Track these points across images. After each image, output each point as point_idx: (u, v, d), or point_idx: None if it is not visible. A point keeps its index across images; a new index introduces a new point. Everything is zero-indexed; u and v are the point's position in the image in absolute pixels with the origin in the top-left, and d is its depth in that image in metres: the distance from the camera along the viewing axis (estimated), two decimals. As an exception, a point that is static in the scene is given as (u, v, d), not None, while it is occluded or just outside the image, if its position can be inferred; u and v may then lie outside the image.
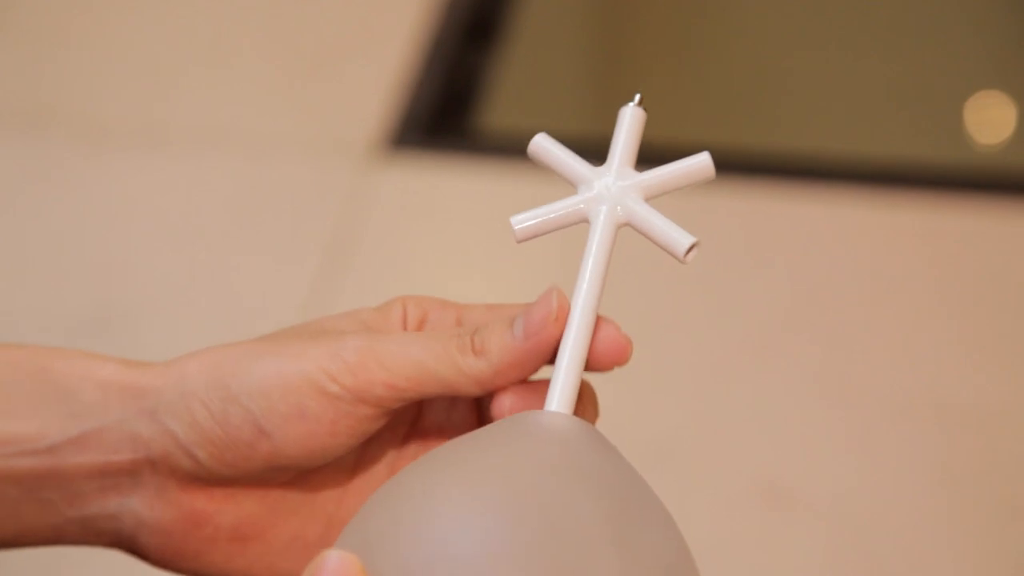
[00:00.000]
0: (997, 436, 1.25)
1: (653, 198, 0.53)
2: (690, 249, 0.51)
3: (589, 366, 0.51)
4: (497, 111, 1.69)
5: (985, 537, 1.17)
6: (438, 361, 0.51)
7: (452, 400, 0.55)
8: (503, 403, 0.52)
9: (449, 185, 1.53)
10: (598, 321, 0.52)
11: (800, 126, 1.70)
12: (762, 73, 1.77)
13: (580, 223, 0.53)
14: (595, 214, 0.52)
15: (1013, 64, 1.78)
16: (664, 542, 0.45)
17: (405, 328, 0.55)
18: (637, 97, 0.55)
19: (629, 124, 0.55)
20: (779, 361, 1.33)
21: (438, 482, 0.45)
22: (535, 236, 0.53)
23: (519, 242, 0.53)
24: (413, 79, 1.65)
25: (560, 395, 0.50)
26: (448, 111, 1.65)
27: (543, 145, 0.55)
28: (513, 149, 1.59)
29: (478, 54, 1.72)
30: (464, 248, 1.48)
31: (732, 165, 1.51)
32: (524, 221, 0.53)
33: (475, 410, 0.56)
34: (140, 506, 0.52)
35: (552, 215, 0.53)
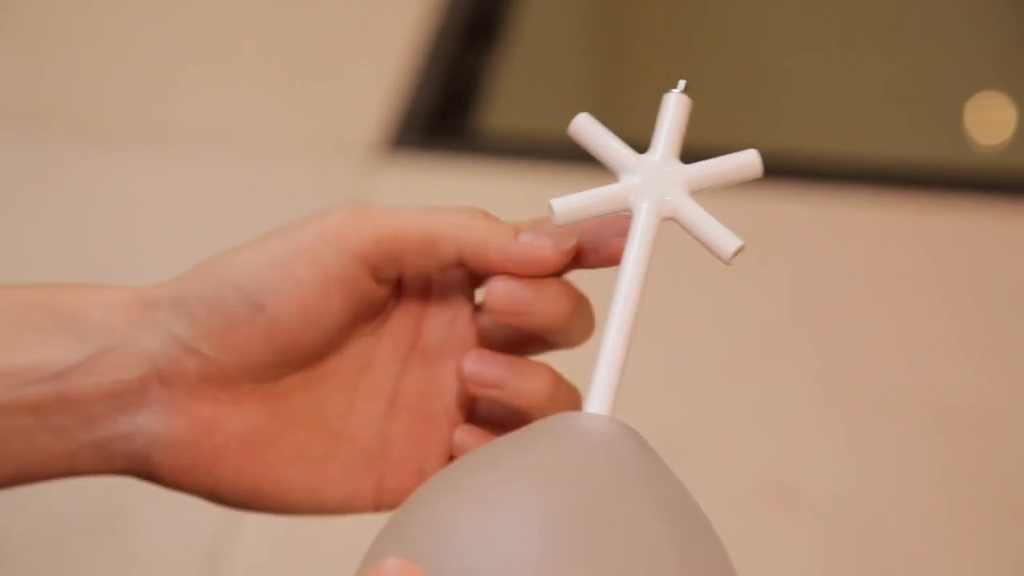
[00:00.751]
0: (997, 436, 1.25)
1: (697, 192, 0.51)
2: (737, 251, 0.49)
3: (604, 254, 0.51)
4: (497, 111, 1.69)
5: (985, 537, 1.17)
6: (436, 218, 0.52)
7: (452, 318, 0.55)
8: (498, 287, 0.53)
9: (449, 186, 1.53)
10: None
11: (800, 126, 1.70)
12: (762, 73, 1.77)
13: (622, 212, 0.51)
14: (639, 205, 0.50)
15: (1013, 64, 1.78)
16: (715, 552, 0.45)
17: None
18: (682, 83, 0.54)
19: (674, 111, 0.53)
20: (779, 361, 1.33)
21: (480, 484, 0.44)
22: (575, 220, 0.51)
23: (557, 224, 0.51)
24: (413, 79, 1.65)
25: (600, 396, 0.48)
26: (448, 111, 1.65)
27: (585, 125, 0.54)
28: (513, 149, 1.59)
29: (478, 54, 1.72)
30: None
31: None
32: (564, 204, 0.51)
33: (474, 325, 0.56)
34: (151, 421, 0.53)
35: (594, 199, 0.51)
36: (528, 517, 0.42)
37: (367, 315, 0.54)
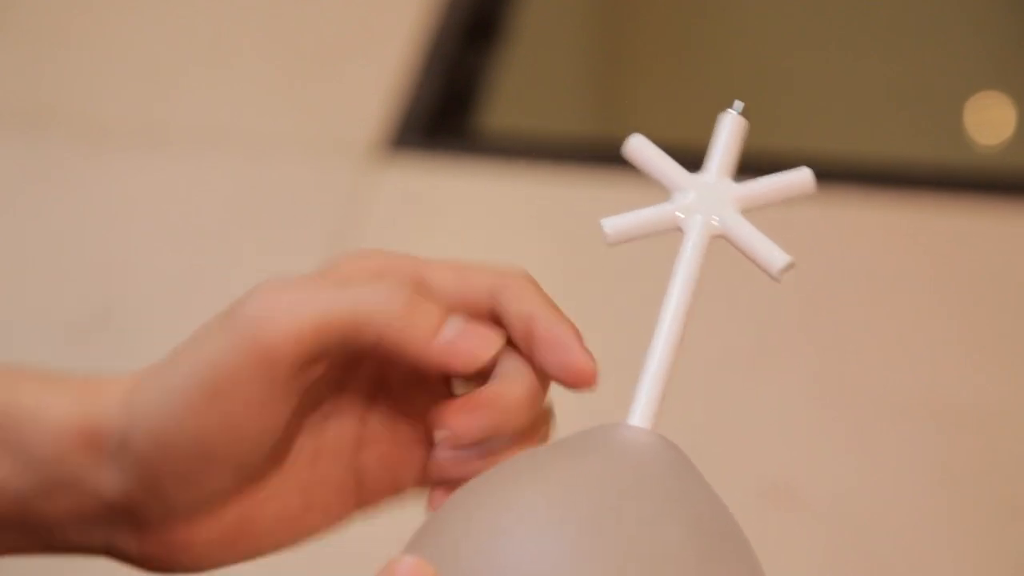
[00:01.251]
0: (996, 436, 1.25)
1: (749, 210, 0.51)
2: (786, 268, 0.49)
3: (559, 381, 0.50)
4: (497, 112, 1.69)
5: (984, 536, 1.17)
6: (357, 305, 0.49)
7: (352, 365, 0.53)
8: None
9: (449, 186, 1.53)
10: (564, 344, 0.50)
11: (800, 126, 1.70)
12: (762, 73, 1.77)
13: (673, 230, 0.51)
14: (690, 223, 0.51)
15: (1013, 65, 1.78)
16: (741, 565, 0.44)
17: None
18: (739, 105, 0.54)
19: (729, 132, 0.53)
20: (779, 361, 1.33)
21: (516, 494, 0.43)
22: (625, 240, 0.51)
23: (609, 244, 0.51)
24: (413, 79, 1.65)
25: (643, 409, 0.48)
26: (448, 112, 1.65)
27: (639, 147, 0.53)
28: (513, 149, 1.59)
29: (478, 55, 1.72)
30: (464, 249, 1.48)
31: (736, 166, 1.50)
32: (615, 224, 0.51)
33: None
34: (123, 540, 0.51)
35: (645, 219, 0.51)
36: (562, 531, 0.42)
37: (316, 391, 0.52)
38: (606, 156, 1.57)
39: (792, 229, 1.47)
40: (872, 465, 1.23)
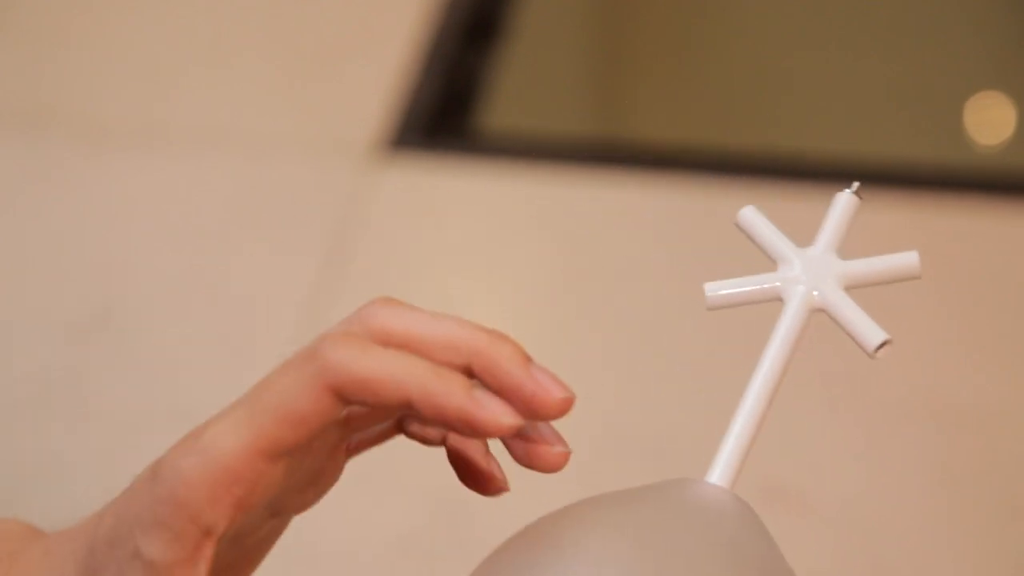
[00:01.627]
0: (997, 436, 1.25)
1: (853, 288, 0.52)
2: (881, 346, 0.50)
3: (534, 409, 0.47)
4: (497, 112, 1.69)
5: (985, 537, 1.17)
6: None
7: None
8: None
9: (449, 185, 1.53)
10: (547, 382, 0.47)
11: (800, 126, 1.70)
12: (762, 73, 1.77)
13: (774, 301, 0.52)
14: (791, 294, 0.52)
15: (1013, 65, 1.78)
16: None
17: None
18: (855, 185, 0.54)
19: (842, 210, 0.54)
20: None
21: (580, 541, 0.43)
22: (727, 306, 0.53)
23: (709, 309, 0.52)
24: (413, 79, 1.65)
25: (724, 468, 0.49)
26: (448, 111, 1.65)
27: (751, 219, 0.54)
28: (513, 149, 1.59)
29: (478, 55, 1.72)
30: (463, 248, 1.48)
31: (732, 165, 1.51)
32: (718, 290, 0.52)
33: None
34: None
35: (748, 289, 0.53)
36: None
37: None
38: (606, 156, 1.57)
39: (792, 229, 1.47)
40: (874, 466, 1.23)
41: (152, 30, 1.72)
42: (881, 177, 1.53)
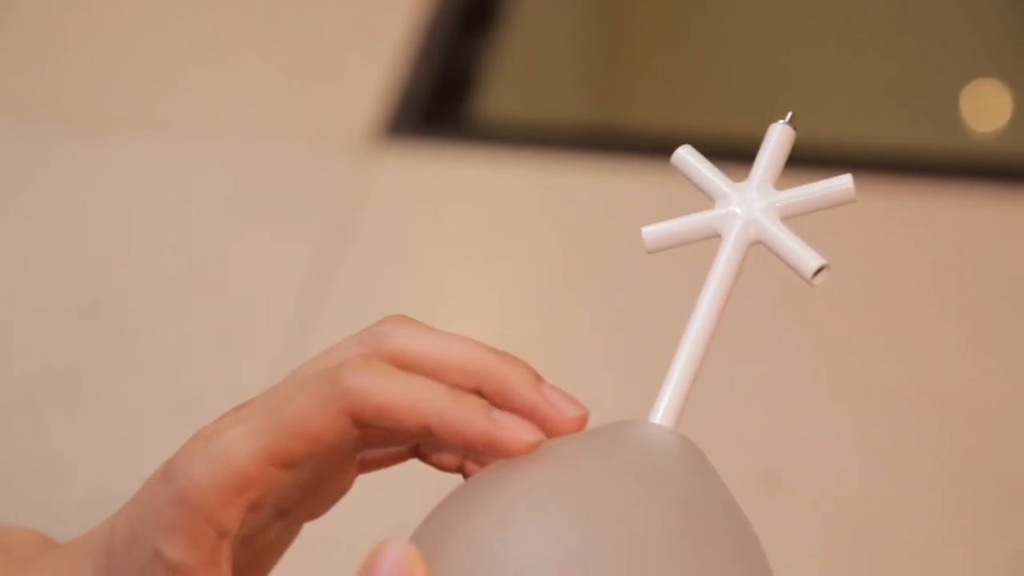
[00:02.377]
0: (995, 428, 1.26)
1: (790, 218, 0.52)
2: (818, 271, 0.50)
3: (547, 429, 0.47)
4: (493, 99, 1.69)
5: (982, 530, 1.18)
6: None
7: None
8: None
9: (445, 173, 1.53)
10: (561, 401, 0.48)
11: (796, 114, 1.70)
12: (759, 61, 1.77)
13: (712, 237, 0.52)
14: (728, 229, 0.52)
15: (1009, 52, 1.78)
16: (742, 572, 0.44)
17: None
18: (788, 115, 0.55)
19: (776, 141, 0.54)
20: (777, 352, 1.33)
21: (523, 489, 0.44)
22: (666, 247, 0.53)
23: (649, 252, 0.52)
24: (409, 67, 1.65)
25: (666, 408, 0.49)
26: (444, 99, 1.65)
27: (685, 158, 0.54)
28: (510, 137, 1.58)
29: (474, 41, 1.72)
30: (460, 236, 1.48)
31: (734, 152, 1.50)
32: (655, 231, 0.52)
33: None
34: None
35: (684, 227, 0.52)
36: (559, 528, 0.42)
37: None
38: (603, 143, 1.57)
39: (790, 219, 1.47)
40: (872, 457, 1.24)
41: (149, 22, 1.72)
42: (878, 165, 1.52)
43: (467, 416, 0.45)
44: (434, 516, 0.45)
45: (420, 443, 0.51)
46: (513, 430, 0.45)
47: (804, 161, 1.55)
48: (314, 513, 0.51)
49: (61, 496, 1.24)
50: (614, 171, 1.50)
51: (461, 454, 0.50)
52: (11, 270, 1.44)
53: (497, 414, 0.45)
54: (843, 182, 0.52)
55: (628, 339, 1.33)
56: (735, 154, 1.53)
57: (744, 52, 1.79)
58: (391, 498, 1.14)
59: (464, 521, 0.43)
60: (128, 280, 1.42)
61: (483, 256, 1.46)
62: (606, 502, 0.43)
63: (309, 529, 0.52)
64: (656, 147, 1.57)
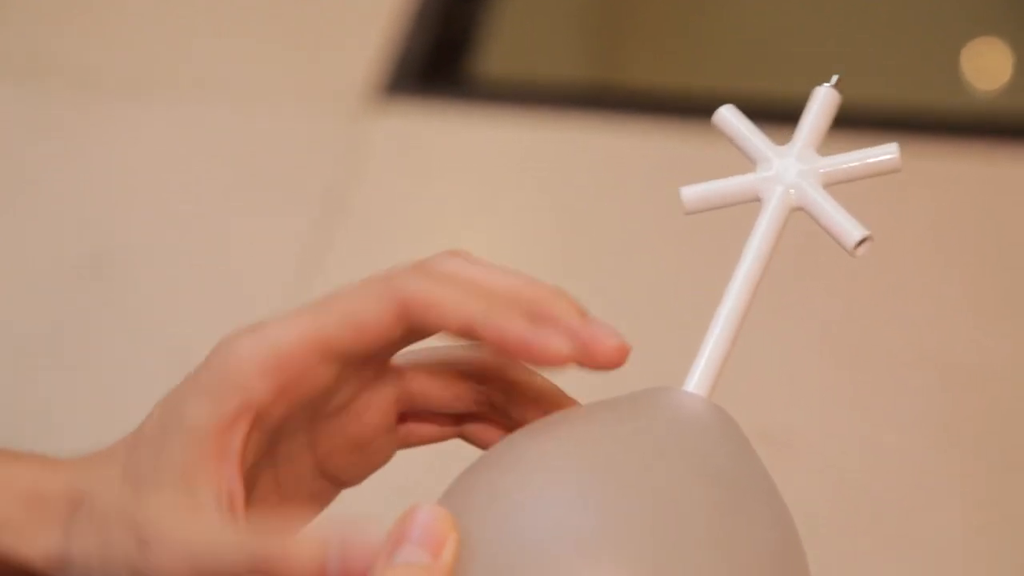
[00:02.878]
0: (997, 389, 1.26)
1: (833, 184, 0.51)
2: (861, 243, 0.49)
3: (587, 365, 0.48)
4: (492, 57, 1.68)
5: (982, 490, 1.18)
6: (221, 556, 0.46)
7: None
8: None
9: (444, 132, 1.53)
10: (603, 330, 0.48)
11: (797, 71, 1.70)
12: (758, 18, 1.77)
13: (751, 201, 0.51)
14: (769, 194, 0.50)
15: (1010, 10, 1.77)
16: (770, 540, 0.44)
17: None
18: (834, 79, 0.53)
19: (820, 105, 0.53)
20: (779, 308, 1.33)
21: (547, 451, 0.44)
22: (705, 209, 0.51)
23: (687, 214, 0.51)
24: (407, 25, 1.64)
25: (701, 376, 0.48)
26: (443, 57, 1.64)
27: (727, 118, 0.53)
28: (508, 95, 1.58)
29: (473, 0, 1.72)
30: (460, 196, 1.48)
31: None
32: (694, 192, 0.51)
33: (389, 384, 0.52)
34: None
35: (725, 188, 0.51)
36: (587, 496, 0.42)
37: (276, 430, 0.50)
38: (602, 101, 1.56)
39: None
40: (873, 417, 1.24)
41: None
42: (880, 123, 1.52)
43: (509, 318, 0.46)
44: (460, 480, 0.45)
45: (464, 417, 0.51)
46: (551, 339, 0.46)
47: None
48: (353, 476, 0.51)
49: (59, 452, 1.24)
50: (613, 129, 1.49)
51: (505, 428, 0.50)
52: (11, 227, 1.44)
53: (538, 326, 0.46)
54: (889, 151, 0.51)
55: (628, 295, 1.33)
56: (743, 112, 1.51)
57: (742, 10, 1.78)
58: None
59: (487, 485, 0.43)
60: (127, 238, 1.42)
61: (482, 214, 1.46)
62: (632, 468, 0.43)
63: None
64: (654, 105, 1.56)
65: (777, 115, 1.54)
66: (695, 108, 1.51)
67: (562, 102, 1.56)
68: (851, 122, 1.52)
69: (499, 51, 1.69)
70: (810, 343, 1.29)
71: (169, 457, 0.47)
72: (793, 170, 0.51)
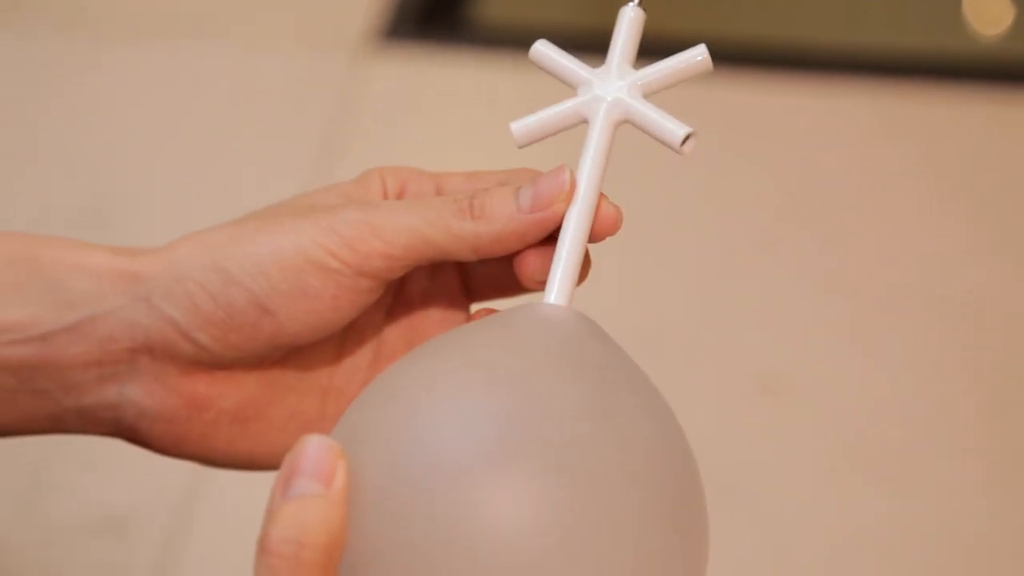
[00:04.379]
0: (993, 328, 1.26)
1: (653, 94, 0.53)
2: (686, 139, 0.51)
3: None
4: (491, 2, 1.67)
5: (976, 430, 1.18)
6: (433, 227, 0.51)
7: (434, 267, 0.56)
8: (528, 264, 0.52)
9: (443, 78, 1.52)
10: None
11: (797, 15, 1.69)
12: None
13: (580, 124, 0.54)
14: (594, 113, 0.53)
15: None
16: (649, 419, 0.46)
17: (386, 198, 0.55)
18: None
19: (628, 24, 0.56)
20: (776, 254, 1.33)
21: (424, 370, 0.46)
22: (536, 140, 0.55)
23: (520, 147, 0.54)
24: (406, -31, 1.64)
25: (559, 288, 0.50)
26: (442, 1, 1.63)
27: (542, 51, 0.56)
28: (509, 40, 1.57)
29: (472, -57, 1.71)
30: (458, 142, 1.48)
31: (730, 56, 1.50)
32: (523, 125, 0.55)
33: (457, 274, 0.57)
34: (139, 394, 0.52)
35: (551, 117, 0.54)
36: (473, 396, 0.44)
37: (370, 304, 0.54)
38: (600, 46, 1.56)
39: (787, 120, 1.46)
40: (869, 357, 1.24)
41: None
42: (879, 68, 1.52)
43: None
44: (352, 405, 0.47)
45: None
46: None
47: (807, 63, 1.54)
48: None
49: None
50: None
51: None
52: (9, 177, 1.43)
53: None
54: (699, 53, 0.53)
55: (624, 243, 1.33)
56: (723, 57, 1.50)
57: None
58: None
59: (381, 400, 0.45)
60: (127, 185, 1.42)
61: (480, 159, 1.46)
62: (523, 373, 0.45)
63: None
64: (654, 51, 1.56)
65: (777, 59, 1.54)
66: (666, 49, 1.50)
67: (562, 47, 1.55)
68: (851, 66, 1.51)
69: (498, -5, 1.69)
70: (803, 283, 1.29)
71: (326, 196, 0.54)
72: (613, 87, 0.53)
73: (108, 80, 1.53)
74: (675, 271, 1.31)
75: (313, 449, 0.43)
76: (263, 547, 0.41)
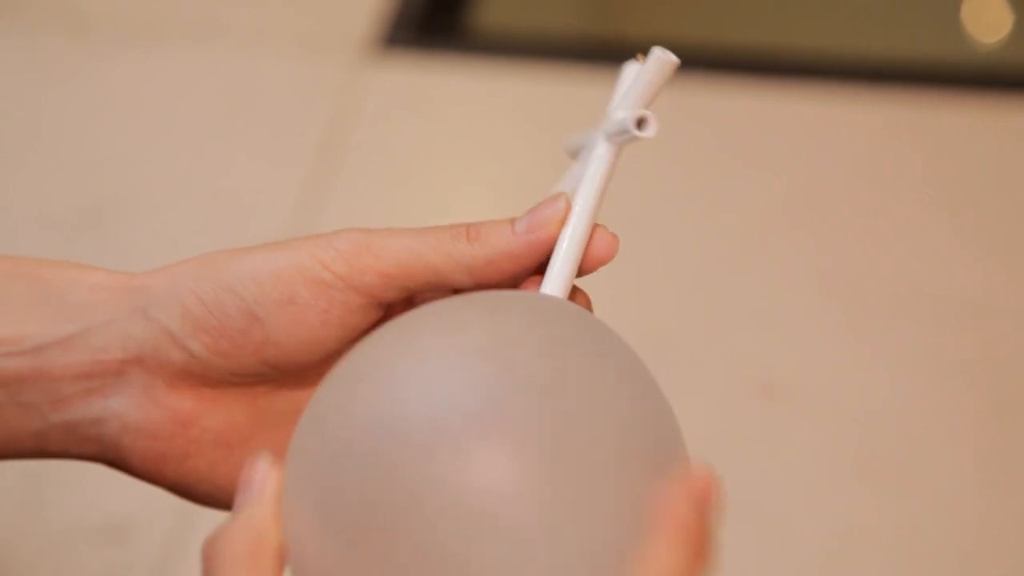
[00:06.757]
0: (993, 330, 1.26)
1: (645, 107, 0.55)
2: (639, 123, 0.53)
3: (581, 268, 0.53)
4: (491, 9, 1.68)
5: (977, 430, 1.18)
6: (429, 247, 0.52)
7: (430, 295, 0.55)
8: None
9: (442, 84, 1.53)
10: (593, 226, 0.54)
11: (800, 22, 1.69)
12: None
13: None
14: (592, 145, 0.57)
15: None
16: (629, 388, 0.47)
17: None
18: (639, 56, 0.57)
19: (624, 77, 0.59)
20: (776, 256, 1.33)
21: (399, 324, 0.47)
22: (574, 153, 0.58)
23: (571, 157, 0.57)
24: (406, -24, 1.64)
25: (554, 280, 0.52)
26: (441, 9, 1.64)
27: (568, 141, 0.60)
28: (507, 47, 1.58)
29: (471, -50, 1.71)
30: (456, 148, 1.48)
31: (732, 63, 1.50)
32: (569, 141, 0.59)
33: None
34: (125, 407, 0.52)
35: (585, 137, 0.59)
36: (452, 359, 0.45)
37: (364, 332, 0.54)
38: (600, 54, 1.56)
39: (790, 125, 1.47)
40: (868, 358, 1.24)
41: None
42: (879, 74, 1.52)
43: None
44: (338, 371, 0.47)
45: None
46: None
47: (809, 70, 1.55)
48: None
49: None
50: (610, 82, 1.49)
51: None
52: (9, 177, 1.44)
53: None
54: (656, 57, 0.55)
55: (622, 247, 1.33)
56: (722, 63, 1.51)
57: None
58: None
59: (351, 367, 0.46)
60: (121, 184, 1.42)
61: (478, 166, 1.46)
62: (493, 339, 0.46)
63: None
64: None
65: (777, 66, 1.54)
66: (694, 59, 1.51)
67: (560, 54, 1.55)
68: (853, 73, 1.52)
69: (497, 3, 1.69)
70: (802, 285, 1.30)
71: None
72: (610, 119, 0.57)
73: (108, 82, 1.53)
74: (677, 276, 1.31)
75: (253, 466, 0.45)
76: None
